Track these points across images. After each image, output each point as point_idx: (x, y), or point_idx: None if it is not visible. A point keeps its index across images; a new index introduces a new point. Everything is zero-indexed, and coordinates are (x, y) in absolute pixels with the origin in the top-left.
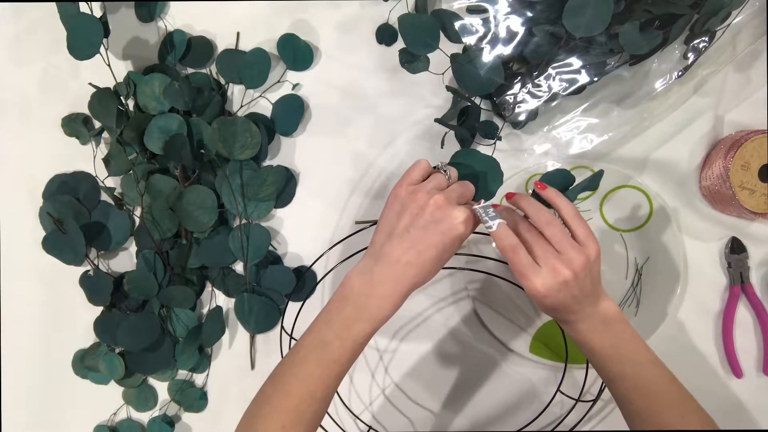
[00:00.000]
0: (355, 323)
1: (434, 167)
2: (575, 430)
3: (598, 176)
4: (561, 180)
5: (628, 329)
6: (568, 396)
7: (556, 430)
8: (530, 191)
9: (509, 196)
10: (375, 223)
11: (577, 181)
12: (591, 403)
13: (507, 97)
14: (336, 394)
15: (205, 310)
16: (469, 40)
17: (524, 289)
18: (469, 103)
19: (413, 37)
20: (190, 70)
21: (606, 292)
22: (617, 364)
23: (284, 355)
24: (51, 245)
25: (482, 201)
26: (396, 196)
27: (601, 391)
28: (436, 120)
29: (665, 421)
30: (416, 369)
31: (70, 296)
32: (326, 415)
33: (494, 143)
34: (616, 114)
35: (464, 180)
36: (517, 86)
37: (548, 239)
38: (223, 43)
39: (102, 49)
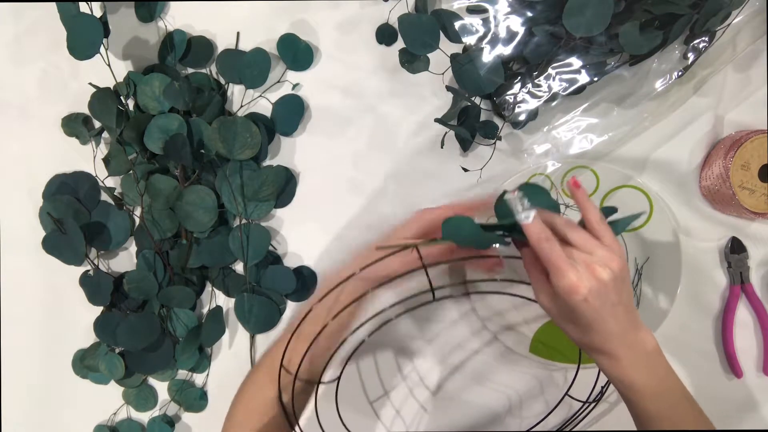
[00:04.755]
0: None
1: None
2: (578, 429)
3: (633, 217)
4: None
5: (665, 362)
6: (576, 399)
7: (564, 430)
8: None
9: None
10: (401, 249)
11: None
12: (593, 404)
13: (507, 97)
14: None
15: (205, 310)
16: (469, 40)
17: (558, 289)
18: (469, 103)
19: (413, 37)
20: (190, 70)
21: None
22: (657, 401)
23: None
24: (51, 245)
25: (516, 191)
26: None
27: (602, 393)
28: (436, 120)
29: None
30: (417, 368)
31: (70, 296)
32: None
33: (494, 143)
34: (616, 114)
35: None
36: (517, 86)
37: (574, 244)
38: (223, 43)
39: (102, 49)
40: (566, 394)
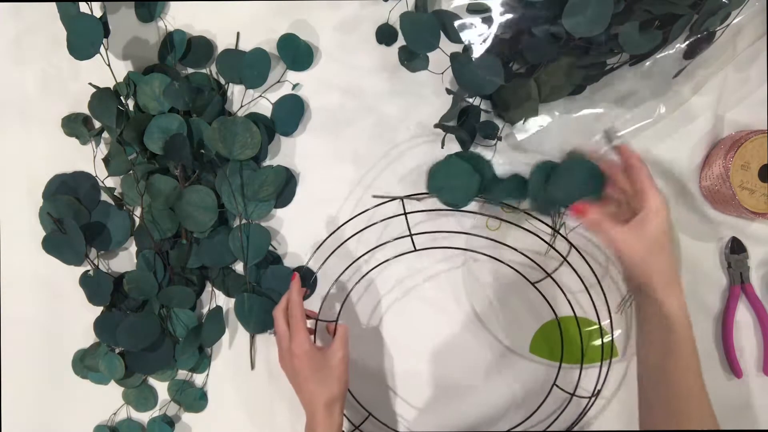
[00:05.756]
0: None
1: None
2: (574, 428)
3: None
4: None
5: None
6: (564, 390)
7: (571, 430)
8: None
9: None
10: (393, 199)
11: None
12: (590, 399)
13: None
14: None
15: (205, 310)
16: (469, 39)
17: (650, 207)
18: (468, 104)
19: (414, 35)
20: (190, 70)
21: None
22: (684, 326)
23: None
24: (51, 245)
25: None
26: None
27: (596, 389)
28: (436, 125)
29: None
30: (416, 369)
31: (70, 296)
32: None
33: (495, 143)
34: (617, 114)
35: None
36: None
37: (643, 183)
38: (223, 43)
39: (102, 49)
40: (573, 394)
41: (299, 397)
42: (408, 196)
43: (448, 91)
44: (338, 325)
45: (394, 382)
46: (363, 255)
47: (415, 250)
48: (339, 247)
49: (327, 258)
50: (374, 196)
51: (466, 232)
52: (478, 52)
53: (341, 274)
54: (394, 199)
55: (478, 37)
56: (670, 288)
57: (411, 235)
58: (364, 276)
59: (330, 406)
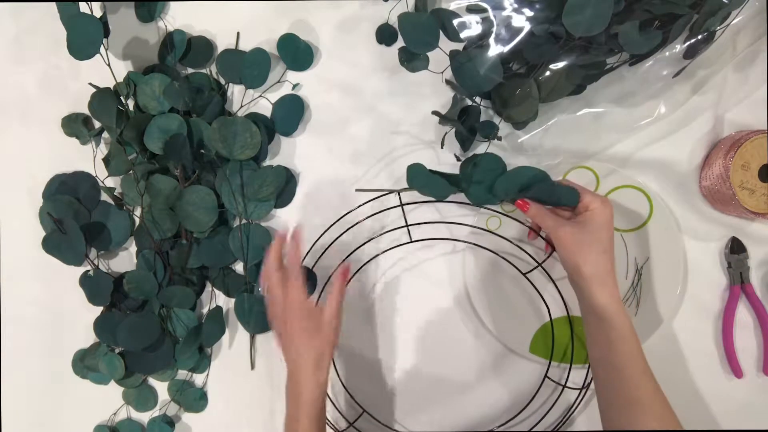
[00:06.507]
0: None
1: None
2: (565, 421)
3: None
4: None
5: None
6: (555, 381)
7: (561, 430)
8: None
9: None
10: (386, 192)
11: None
12: (580, 390)
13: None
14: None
15: (205, 310)
16: (469, 39)
17: (594, 207)
18: (468, 101)
19: (413, 36)
20: (190, 70)
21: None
22: (622, 320)
23: None
24: (51, 245)
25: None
26: None
27: (585, 381)
28: (434, 112)
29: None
30: (416, 369)
31: (70, 296)
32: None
33: (489, 143)
34: (616, 114)
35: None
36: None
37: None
38: (223, 43)
39: (102, 49)
40: (564, 386)
41: (285, 355)
42: (403, 189)
43: (448, 82)
44: (335, 275)
45: (390, 379)
46: (359, 247)
47: (412, 241)
48: (334, 241)
49: (322, 253)
50: (357, 190)
51: (460, 222)
52: (477, 50)
53: (336, 268)
54: (390, 192)
55: (477, 36)
56: (602, 281)
57: (407, 225)
58: (360, 269)
59: (318, 361)
